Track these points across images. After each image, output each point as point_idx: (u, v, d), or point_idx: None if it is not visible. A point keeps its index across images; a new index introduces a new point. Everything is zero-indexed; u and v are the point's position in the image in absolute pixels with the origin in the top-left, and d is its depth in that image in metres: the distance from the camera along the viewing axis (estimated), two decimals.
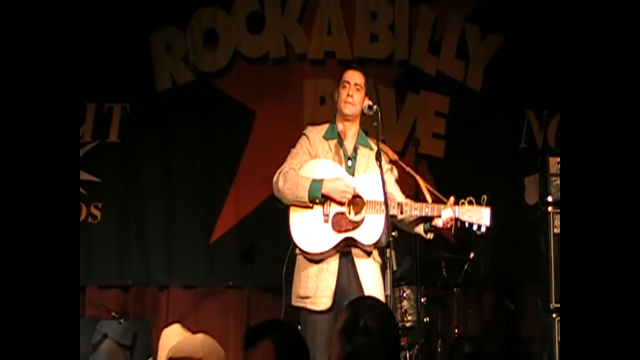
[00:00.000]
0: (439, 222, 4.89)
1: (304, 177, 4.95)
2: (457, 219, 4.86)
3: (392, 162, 5.16)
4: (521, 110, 7.83)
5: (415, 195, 5.19)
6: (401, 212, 4.90)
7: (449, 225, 4.88)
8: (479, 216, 4.85)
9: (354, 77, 5.11)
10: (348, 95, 5.05)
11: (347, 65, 5.41)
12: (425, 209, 4.88)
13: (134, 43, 7.59)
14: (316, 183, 4.91)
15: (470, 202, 4.87)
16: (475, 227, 4.87)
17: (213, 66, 7.71)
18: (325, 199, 4.91)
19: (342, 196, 4.89)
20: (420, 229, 5.05)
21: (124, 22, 7.50)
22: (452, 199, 4.89)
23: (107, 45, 7.42)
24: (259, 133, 7.66)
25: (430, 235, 5.04)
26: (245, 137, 7.65)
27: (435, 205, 4.89)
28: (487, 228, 4.89)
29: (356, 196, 4.93)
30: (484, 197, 4.87)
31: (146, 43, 7.65)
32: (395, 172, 5.18)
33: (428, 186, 5.06)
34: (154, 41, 7.66)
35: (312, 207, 4.94)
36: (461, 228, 4.92)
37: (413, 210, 4.88)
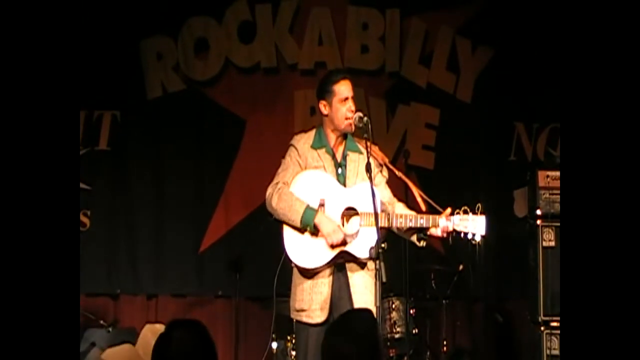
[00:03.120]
0: (436, 232, 4.85)
1: (299, 200, 4.89)
2: (452, 230, 4.84)
3: (381, 165, 5.13)
4: (511, 123, 7.85)
5: (405, 197, 5.18)
6: (393, 225, 4.87)
7: (444, 236, 4.86)
8: (474, 225, 4.81)
9: (350, 90, 5.03)
10: (349, 110, 4.97)
11: (334, 76, 5.10)
12: (420, 220, 4.83)
13: (125, 51, 7.58)
14: (310, 211, 4.86)
15: (465, 212, 4.84)
16: (470, 237, 4.85)
17: (204, 75, 7.70)
18: (316, 229, 4.90)
19: (330, 237, 4.84)
20: (413, 237, 5.01)
21: (115, 30, 7.49)
22: (448, 209, 4.86)
23: (98, 53, 7.40)
24: (249, 142, 7.66)
25: (422, 243, 5.00)
26: (236, 147, 7.65)
27: (430, 217, 4.84)
28: (482, 237, 4.86)
29: (350, 209, 4.92)
30: (479, 205, 4.83)
31: (137, 51, 7.64)
32: (385, 173, 5.13)
33: (421, 193, 5.03)
34: (144, 49, 7.65)
35: (302, 233, 4.92)
36: (456, 237, 4.90)
37: (407, 222, 4.85)
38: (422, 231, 4.92)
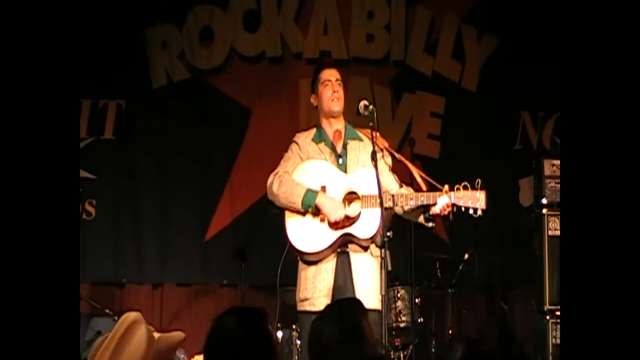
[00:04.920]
0: (436, 209, 4.88)
1: (300, 184, 4.96)
2: (453, 204, 4.86)
3: (382, 150, 5.14)
4: (516, 111, 7.84)
5: (411, 183, 5.19)
6: (396, 204, 4.90)
7: (446, 212, 4.87)
8: (475, 200, 4.86)
9: (333, 74, 5.17)
10: (334, 92, 5.09)
11: (320, 66, 5.34)
12: (421, 198, 4.88)
13: (130, 40, 7.58)
14: (311, 193, 4.92)
15: (465, 187, 4.87)
16: (471, 211, 4.87)
17: (209, 64, 7.70)
18: (318, 210, 4.92)
19: (332, 215, 4.89)
20: (421, 218, 5.03)
21: (119, 19, 7.48)
22: (446, 186, 4.88)
23: (103, 41, 7.39)
24: (254, 131, 7.66)
25: (430, 224, 5.03)
26: (241, 136, 7.64)
27: (431, 194, 4.89)
28: (483, 211, 4.89)
29: (351, 192, 4.95)
30: (479, 180, 4.88)
31: (142, 40, 7.63)
32: (389, 159, 5.16)
33: (421, 173, 5.05)
34: (149, 38, 7.65)
35: (304, 216, 4.94)
36: (458, 213, 4.91)
37: (408, 200, 4.89)
38: (425, 211, 4.94)
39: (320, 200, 4.91)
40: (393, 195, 4.91)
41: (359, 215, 4.90)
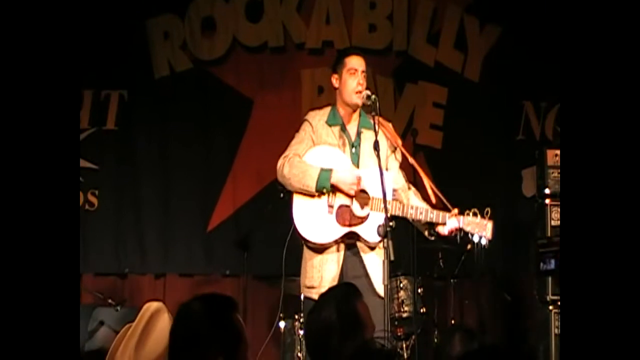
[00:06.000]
0: (443, 230, 4.90)
1: (312, 165, 4.92)
2: (460, 229, 4.88)
3: (395, 147, 5.14)
4: (519, 101, 7.83)
5: (414, 181, 5.19)
6: (405, 215, 4.88)
7: (452, 235, 4.89)
8: (482, 228, 4.89)
9: (360, 64, 5.09)
10: (359, 84, 5.02)
11: (348, 50, 5.32)
12: (430, 215, 4.87)
13: (132, 30, 7.57)
14: (325, 173, 4.88)
15: (474, 214, 4.89)
16: (477, 238, 4.90)
17: (211, 54, 7.69)
18: (333, 190, 4.90)
19: (351, 188, 4.88)
20: (423, 229, 5.04)
21: (121, 9, 7.47)
22: (456, 210, 4.89)
23: (105, 32, 7.39)
24: (256, 122, 7.66)
25: (433, 238, 5.05)
26: (243, 126, 7.64)
27: (440, 213, 4.88)
28: (489, 241, 4.92)
29: (362, 191, 4.92)
30: (488, 210, 4.89)
31: (144, 30, 7.62)
32: (399, 156, 5.15)
33: (432, 185, 5.04)
34: (151, 28, 7.64)
35: (318, 197, 4.92)
36: (463, 237, 4.95)
37: (418, 214, 4.87)
38: (431, 227, 4.96)
39: (336, 179, 4.87)
40: (403, 205, 4.89)
41: (367, 216, 4.89)
